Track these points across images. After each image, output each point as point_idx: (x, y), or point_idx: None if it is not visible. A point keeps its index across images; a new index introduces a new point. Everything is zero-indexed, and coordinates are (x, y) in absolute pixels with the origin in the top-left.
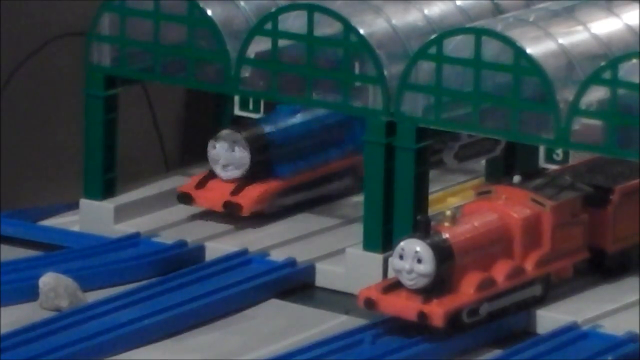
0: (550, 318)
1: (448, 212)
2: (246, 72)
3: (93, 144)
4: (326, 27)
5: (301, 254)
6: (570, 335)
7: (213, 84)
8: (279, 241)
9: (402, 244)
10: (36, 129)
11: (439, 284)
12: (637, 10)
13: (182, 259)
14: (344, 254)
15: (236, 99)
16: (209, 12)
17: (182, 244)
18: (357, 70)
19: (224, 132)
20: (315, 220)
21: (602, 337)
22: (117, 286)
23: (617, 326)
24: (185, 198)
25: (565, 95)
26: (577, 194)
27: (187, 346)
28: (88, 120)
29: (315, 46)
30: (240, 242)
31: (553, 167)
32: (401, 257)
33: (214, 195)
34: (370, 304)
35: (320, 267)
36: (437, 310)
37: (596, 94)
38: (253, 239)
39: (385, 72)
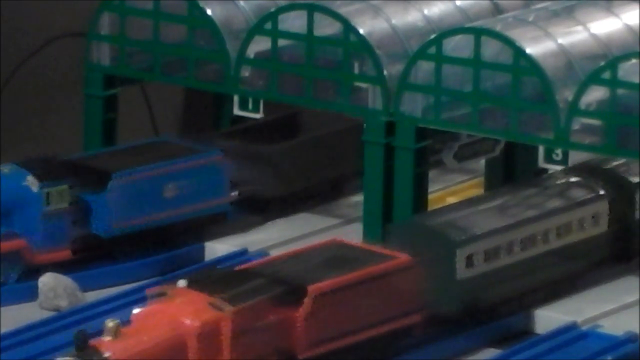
0: (550, 318)
1: (110, 324)
2: (246, 72)
3: (92, 143)
4: (326, 27)
5: None
6: (570, 335)
7: (213, 84)
8: (279, 241)
9: None
10: (36, 128)
11: None
12: (637, 10)
13: (182, 259)
14: None
15: (236, 98)
16: (209, 12)
17: None
18: (356, 70)
19: None
20: (315, 220)
21: (602, 337)
22: (117, 286)
23: (617, 326)
24: None
25: (565, 95)
26: (264, 296)
27: None
28: (87, 120)
29: (315, 46)
30: (239, 242)
31: (553, 167)
32: None
33: None
34: None
35: None
36: None
37: (596, 94)
38: (253, 239)
39: (385, 72)
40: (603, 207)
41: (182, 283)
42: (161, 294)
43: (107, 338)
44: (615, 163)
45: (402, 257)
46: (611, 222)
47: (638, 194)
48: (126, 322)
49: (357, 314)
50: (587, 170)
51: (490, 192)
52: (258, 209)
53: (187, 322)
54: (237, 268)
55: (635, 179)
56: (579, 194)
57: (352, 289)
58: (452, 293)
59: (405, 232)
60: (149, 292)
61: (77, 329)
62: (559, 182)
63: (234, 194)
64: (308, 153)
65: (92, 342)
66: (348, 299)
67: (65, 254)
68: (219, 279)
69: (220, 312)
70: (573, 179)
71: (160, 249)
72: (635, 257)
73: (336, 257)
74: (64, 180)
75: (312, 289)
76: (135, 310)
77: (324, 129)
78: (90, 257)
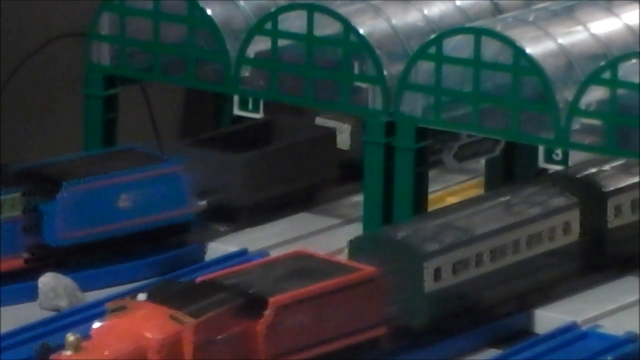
0: (550, 318)
1: (71, 338)
2: (246, 72)
3: (92, 143)
4: (326, 27)
5: None
6: (570, 335)
7: (213, 84)
8: (279, 241)
9: None
10: (36, 128)
11: None
12: (637, 10)
13: (182, 259)
14: (343, 253)
15: (236, 98)
16: (209, 12)
17: None
18: (356, 70)
19: None
20: (315, 220)
21: (602, 337)
22: (117, 286)
23: (617, 326)
24: None
25: (565, 95)
26: (225, 308)
27: None
28: (87, 120)
29: (315, 46)
30: (240, 242)
31: (553, 167)
32: None
33: None
34: None
35: None
36: None
37: (596, 94)
38: (253, 239)
39: (385, 72)
40: (574, 216)
41: (141, 296)
42: (120, 308)
43: (68, 352)
44: (586, 172)
45: (368, 269)
46: (583, 231)
47: (609, 203)
48: (86, 336)
49: (320, 326)
50: (558, 179)
51: (459, 203)
52: (227, 218)
53: (149, 335)
54: (197, 280)
55: (606, 188)
56: (550, 202)
57: (315, 301)
58: (420, 306)
59: (373, 244)
60: (107, 306)
61: (40, 342)
62: (529, 191)
63: (203, 203)
64: (277, 161)
65: (54, 356)
66: (311, 311)
67: (18, 262)
68: (179, 292)
69: (181, 325)
70: (544, 188)
71: (118, 259)
72: (607, 267)
73: (300, 268)
74: (17, 188)
75: (274, 300)
76: (96, 325)
77: (294, 137)
78: (43, 266)
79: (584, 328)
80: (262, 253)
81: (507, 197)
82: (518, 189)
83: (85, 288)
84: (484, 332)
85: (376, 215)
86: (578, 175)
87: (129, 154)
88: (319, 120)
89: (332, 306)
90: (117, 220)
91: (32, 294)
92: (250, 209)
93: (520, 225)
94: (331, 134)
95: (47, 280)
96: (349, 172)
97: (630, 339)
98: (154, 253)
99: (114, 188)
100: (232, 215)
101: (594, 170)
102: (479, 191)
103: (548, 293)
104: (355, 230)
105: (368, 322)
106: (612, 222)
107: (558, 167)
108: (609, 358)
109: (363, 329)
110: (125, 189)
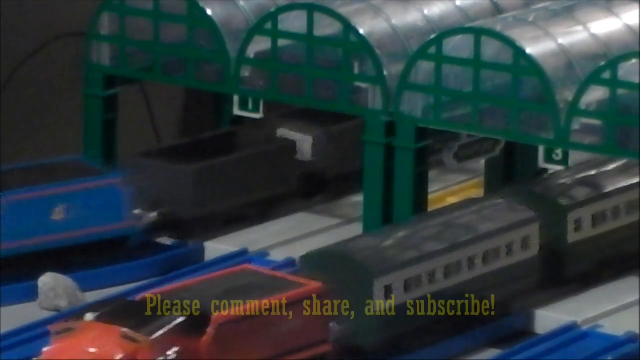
0: (550, 318)
1: None
2: (246, 72)
3: (92, 143)
4: (326, 27)
5: (301, 253)
6: (570, 335)
7: (213, 84)
8: (279, 241)
9: None
10: (36, 128)
11: None
12: (637, 10)
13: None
14: None
15: (236, 98)
16: (209, 12)
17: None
18: (356, 70)
19: None
20: (315, 220)
21: (602, 337)
22: (117, 286)
23: (617, 326)
24: None
25: (565, 95)
26: (173, 325)
27: None
28: (87, 120)
29: (315, 46)
30: (239, 242)
31: (553, 167)
32: None
33: None
34: None
35: None
36: None
37: (596, 94)
38: (253, 239)
39: (385, 72)
40: (534, 231)
41: (89, 316)
42: (66, 330)
43: None
44: (546, 186)
45: (313, 285)
46: (542, 246)
47: (569, 217)
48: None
49: (264, 343)
50: (518, 193)
51: (417, 217)
52: (177, 230)
53: (106, 355)
54: (140, 296)
55: (566, 202)
56: (509, 217)
57: (258, 317)
58: (370, 324)
59: (325, 260)
60: (52, 328)
61: None
62: (488, 205)
63: (153, 214)
64: (232, 173)
65: None
66: (255, 328)
67: None
68: (125, 310)
69: (137, 344)
70: (503, 202)
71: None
72: (567, 282)
73: (245, 284)
74: None
75: (216, 317)
76: (45, 348)
77: (252, 149)
78: None
79: (584, 328)
80: (262, 253)
81: (465, 212)
82: (477, 202)
83: (85, 288)
84: (484, 332)
85: (376, 215)
86: (538, 189)
87: (70, 165)
88: (281, 132)
89: (276, 322)
90: (51, 233)
91: (32, 294)
92: (201, 221)
93: (475, 241)
94: (291, 145)
95: (47, 280)
96: (311, 183)
97: (630, 339)
98: (153, 253)
99: (48, 200)
100: (182, 227)
101: (554, 184)
102: (479, 191)
103: (506, 309)
104: (355, 230)
105: (314, 339)
106: (572, 236)
107: (558, 167)
108: (609, 358)
109: (308, 346)
110: (59, 200)
